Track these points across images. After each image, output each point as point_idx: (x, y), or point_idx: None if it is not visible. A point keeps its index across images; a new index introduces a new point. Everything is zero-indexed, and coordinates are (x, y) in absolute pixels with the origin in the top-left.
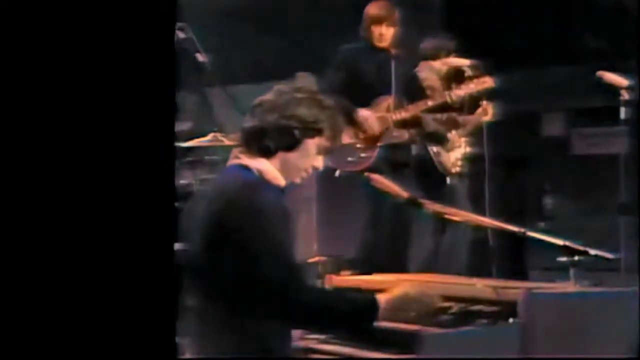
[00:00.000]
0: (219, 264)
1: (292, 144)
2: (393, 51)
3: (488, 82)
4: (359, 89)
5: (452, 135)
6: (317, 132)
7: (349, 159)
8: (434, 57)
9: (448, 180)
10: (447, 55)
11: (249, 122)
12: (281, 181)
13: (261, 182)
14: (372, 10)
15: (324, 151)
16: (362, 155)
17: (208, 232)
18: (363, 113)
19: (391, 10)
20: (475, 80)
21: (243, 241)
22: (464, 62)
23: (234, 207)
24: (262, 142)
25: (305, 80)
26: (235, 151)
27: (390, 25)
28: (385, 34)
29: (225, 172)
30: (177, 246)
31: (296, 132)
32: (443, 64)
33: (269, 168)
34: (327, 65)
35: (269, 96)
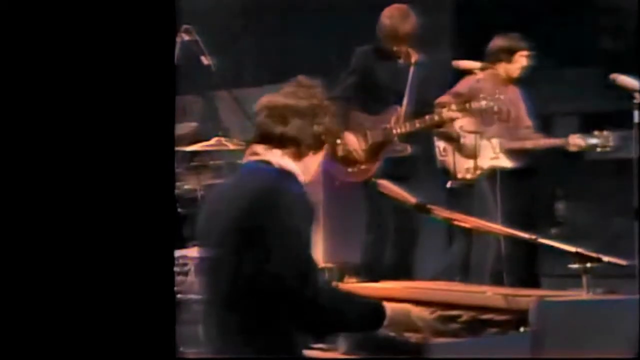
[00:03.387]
0: (243, 262)
1: (319, 149)
2: (413, 59)
3: (501, 100)
4: (372, 93)
5: (486, 143)
6: (333, 136)
7: (349, 170)
8: (500, 57)
9: (449, 184)
10: (514, 53)
11: (280, 127)
12: (302, 178)
13: (285, 172)
14: (394, 24)
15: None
16: (362, 167)
17: (233, 226)
18: (348, 138)
19: (414, 23)
20: (487, 98)
21: (271, 235)
22: (474, 65)
23: (261, 198)
24: (299, 147)
25: (307, 83)
26: (252, 147)
27: (413, 40)
28: (408, 49)
29: (247, 168)
30: (194, 250)
31: (323, 137)
32: (455, 66)
33: (291, 165)
34: (334, 68)
35: (280, 99)
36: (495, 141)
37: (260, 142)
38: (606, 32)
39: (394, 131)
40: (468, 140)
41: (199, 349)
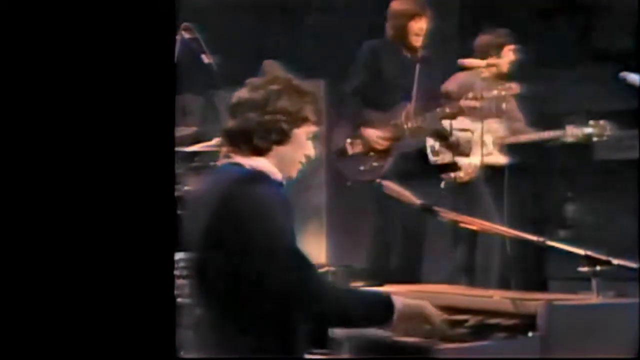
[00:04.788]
0: (225, 267)
1: (283, 138)
2: (419, 54)
3: (514, 88)
4: (380, 88)
5: (478, 140)
6: (303, 120)
7: (361, 167)
8: (488, 53)
9: (442, 184)
10: (502, 48)
11: (231, 123)
12: (278, 175)
13: (257, 174)
14: (406, 5)
15: (312, 137)
16: (375, 164)
17: (210, 235)
18: (367, 132)
19: (425, 3)
20: (499, 87)
21: (248, 236)
22: (480, 63)
23: (232, 203)
24: (251, 142)
25: (273, 68)
26: (224, 150)
27: (427, 19)
28: (424, 28)
29: (217, 172)
30: (179, 254)
31: (284, 125)
32: (460, 64)
33: (264, 164)
34: (336, 66)
35: (243, 93)
36: (488, 137)
37: (226, 146)
38: (614, 30)
39: (406, 126)
40: (459, 138)
41: (199, 353)
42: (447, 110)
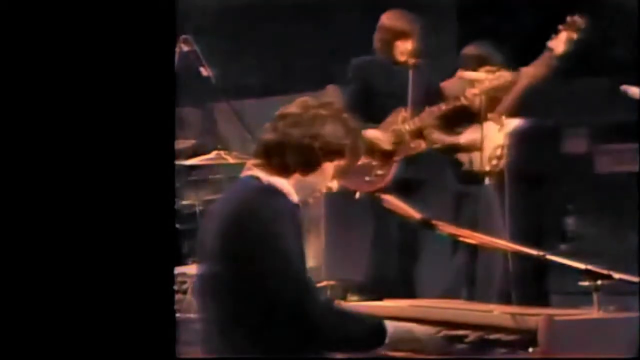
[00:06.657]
0: (230, 279)
1: (311, 164)
2: (411, 62)
3: (504, 75)
4: (373, 103)
5: (491, 134)
6: (338, 153)
7: (367, 178)
8: (475, 65)
9: (486, 181)
10: (482, 65)
11: (269, 135)
12: (294, 197)
13: (272, 189)
14: (395, 23)
15: (340, 172)
16: (379, 172)
17: (221, 245)
18: (369, 134)
19: (415, 24)
20: (490, 76)
21: (251, 250)
22: (480, 77)
23: (242, 215)
24: (282, 158)
25: (332, 95)
26: (249, 163)
27: (414, 39)
28: (410, 49)
29: (237, 184)
30: (193, 267)
31: (318, 152)
32: (460, 77)
33: (283, 183)
34: (332, 80)
35: (293, 109)
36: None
37: (256, 157)
38: (616, 43)
39: (405, 128)
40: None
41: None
42: (444, 107)
